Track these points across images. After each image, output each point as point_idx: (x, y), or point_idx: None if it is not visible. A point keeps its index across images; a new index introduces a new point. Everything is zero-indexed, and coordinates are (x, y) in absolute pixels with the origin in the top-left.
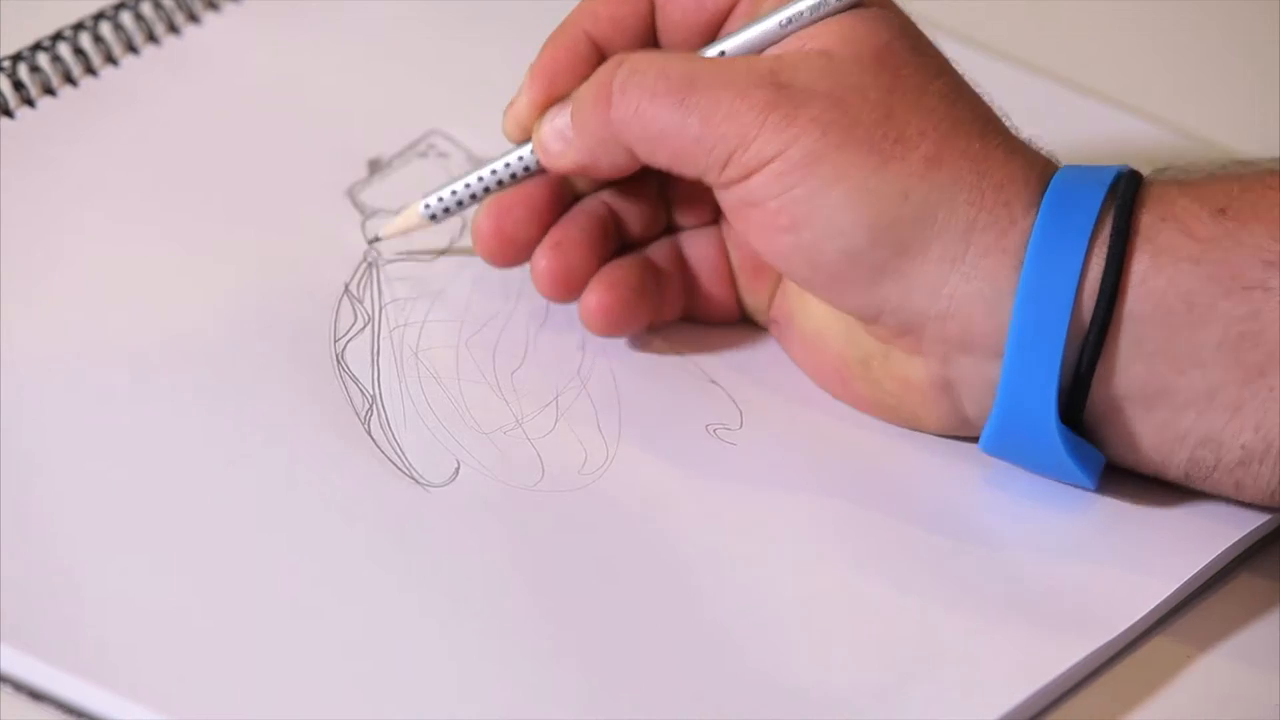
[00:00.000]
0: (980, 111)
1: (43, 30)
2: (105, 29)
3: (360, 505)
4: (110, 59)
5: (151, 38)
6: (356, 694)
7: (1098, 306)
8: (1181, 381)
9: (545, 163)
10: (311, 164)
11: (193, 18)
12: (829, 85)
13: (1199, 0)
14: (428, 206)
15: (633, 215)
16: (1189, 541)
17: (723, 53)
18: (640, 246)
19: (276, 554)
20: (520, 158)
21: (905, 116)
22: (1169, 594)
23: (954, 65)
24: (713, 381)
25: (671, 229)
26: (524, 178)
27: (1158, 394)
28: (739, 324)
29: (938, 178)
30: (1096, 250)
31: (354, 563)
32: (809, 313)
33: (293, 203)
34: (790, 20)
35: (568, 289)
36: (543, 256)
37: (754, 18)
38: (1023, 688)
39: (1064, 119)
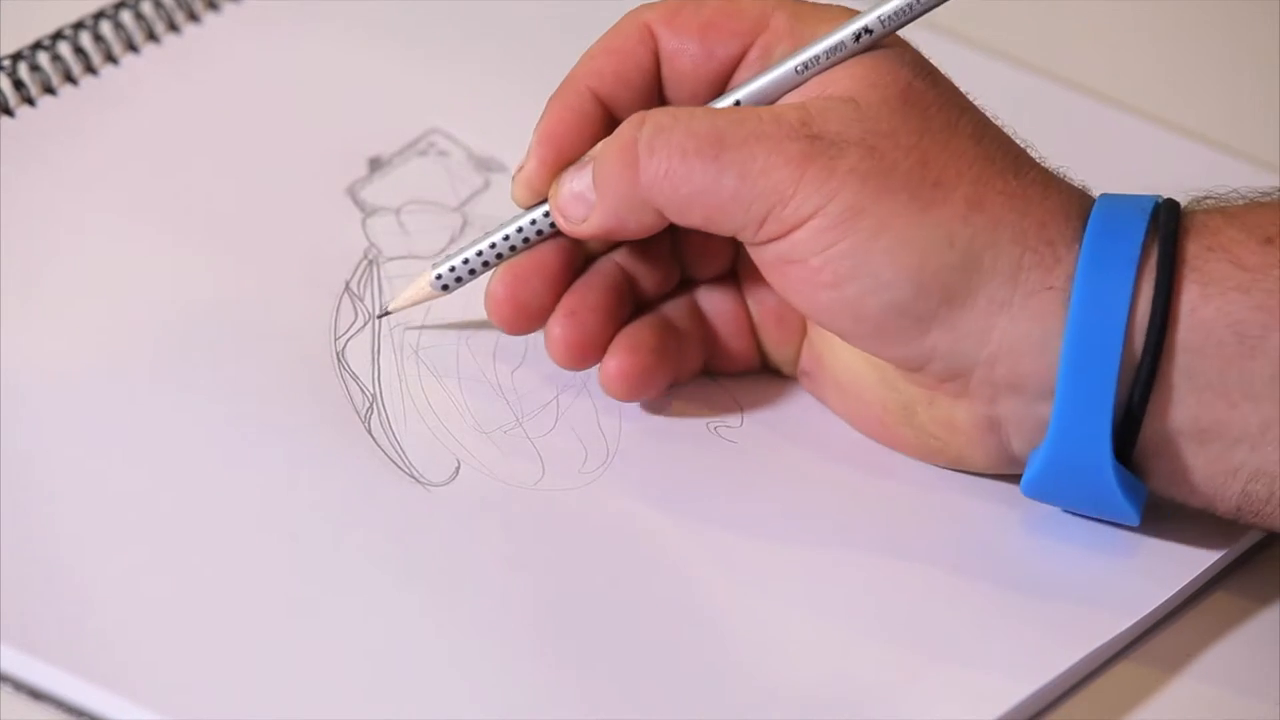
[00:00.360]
0: (1009, 146)
1: (43, 29)
2: (105, 28)
3: (360, 504)
4: (110, 58)
5: (152, 36)
6: (356, 694)
7: (1148, 338)
8: (1234, 415)
9: (566, 229)
10: (312, 162)
11: (193, 17)
12: (860, 133)
13: (1199, 0)
14: (439, 277)
15: (647, 274)
16: (1188, 546)
17: (738, 102)
18: (655, 304)
19: (276, 553)
20: (533, 222)
21: (940, 159)
22: (1168, 596)
23: (971, 99)
24: (713, 380)
25: (685, 283)
26: (537, 241)
27: (1210, 428)
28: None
29: (979, 220)
30: (1144, 282)
31: (354, 562)
32: (842, 362)
33: (293, 201)
34: (807, 66)
35: (583, 357)
36: (556, 324)
37: (766, 65)
38: (1023, 688)
39: (1064, 119)
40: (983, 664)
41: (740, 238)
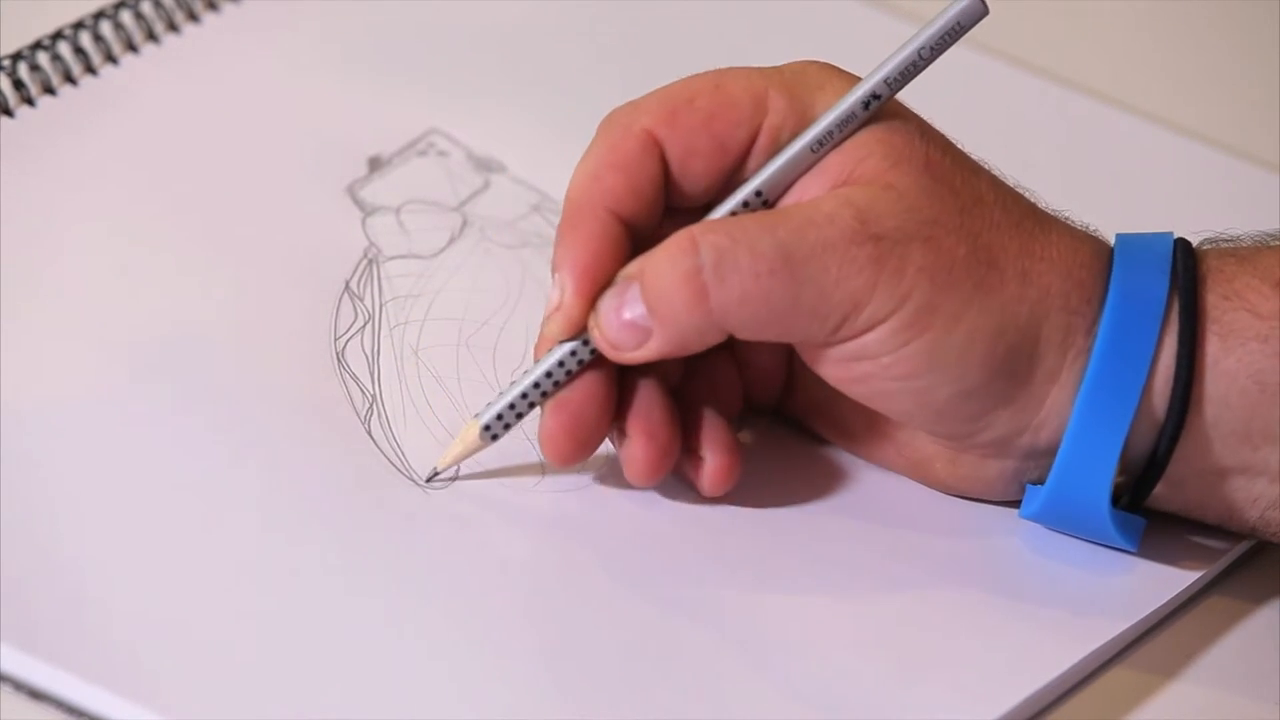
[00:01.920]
0: (1024, 202)
1: (43, 29)
2: (105, 28)
3: (360, 505)
4: (110, 58)
5: (151, 37)
6: (356, 694)
7: (1174, 394)
8: (1257, 456)
9: (618, 358)
10: (311, 162)
11: (192, 17)
12: (915, 224)
13: (1199, 0)
14: (487, 428)
15: (670, 365)
16: (1187, 549)
17: (759, 192)
18: (677, 380)
19: (276, 554)
20: (573, 353)
21: (986, 237)
22: (1167, 599)
23: (959, 145)
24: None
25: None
26: (580, 371)
27: (1232, 467)
28: None
29: (1032, 294)
30: (1166, 336)
31: (353, 563)
32: (850, 427)
33: (293, 200)
34: (821, 142)
35: (664, 472)
36: (638, 449)
37: (776, 148)
38: (1022, 688)
39: (1065, 119)
40: (982, 666)
41: (806, 343)
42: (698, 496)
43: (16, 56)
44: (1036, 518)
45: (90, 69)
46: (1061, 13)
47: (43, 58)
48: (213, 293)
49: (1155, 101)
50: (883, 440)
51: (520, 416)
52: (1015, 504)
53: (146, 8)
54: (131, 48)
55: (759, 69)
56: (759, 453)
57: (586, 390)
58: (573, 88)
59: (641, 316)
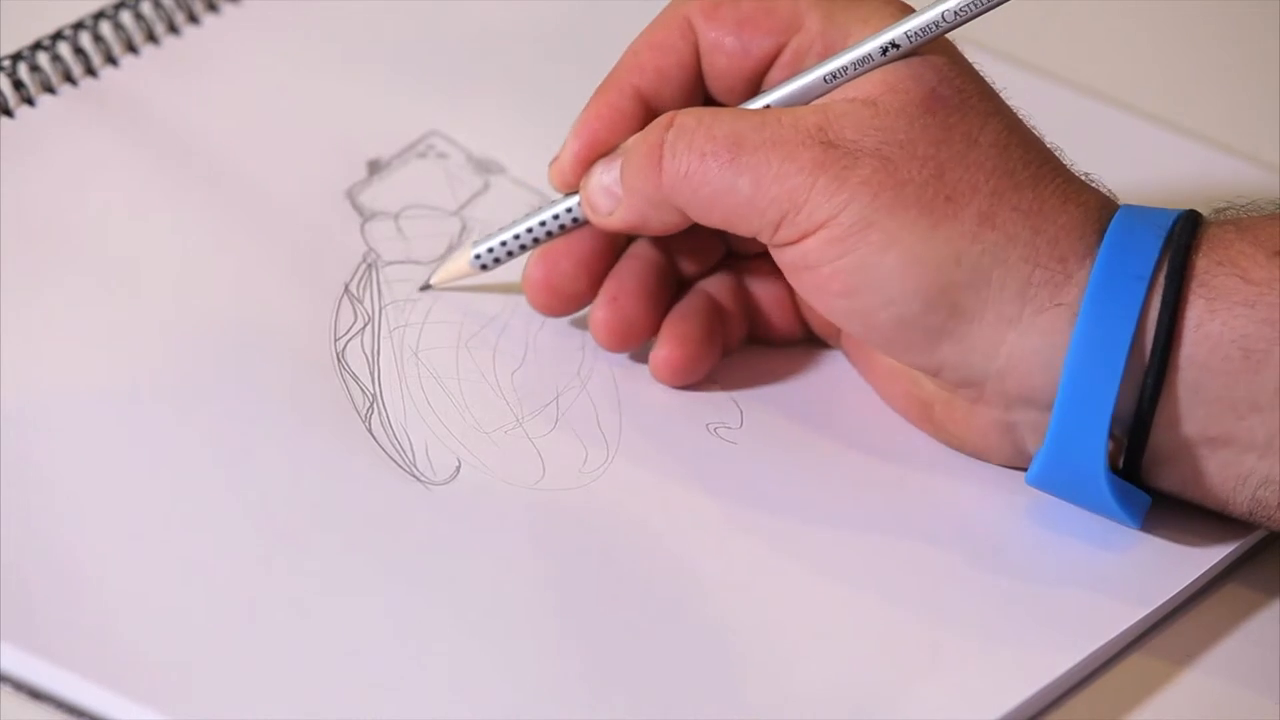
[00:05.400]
0: (1033, 157)
1: (43, 29)
2: (105, 28)
3: (361, 503)
4: (110, 59)
5: (151, 38)
6: (357, 693)
7: (1153, 354)
8: (1242, 426)
9: (593, 220)
10: (311, 165)
11: (192, 18)
12: (876, 142)
13: (1199, 1)
14: (478, 257)
15: (688, 253)
16: (1198, 538)
17: (768, 107)
18: (698, 278)
19: (277, 553)
20: (568, 209)
21: (955, 172)
22: (1168, 598)
23: (1009, 106)
24: (712, 380)
25: (730, 256)
26: (573, 228)
27: (1218, 437)
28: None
29: (991, 237)
30: (1154, 298)
31: (355, 561)
32: (865, 355)
33: (292, 203)
34: (835, 75)
35: (626, 341)
36: (600, 309)
37: (799, 68)
38: (1022, 689)
39: (1065, 119)
40: (987, 661)
41: (759, 239)
42: (697, 494)
43: (16, 57)
44: (1039, 480)
45: (90, 70)
46: (1063, 14)
47: (42, 58)
48: (212, 294)
49: (1155, 101)
50: (902, 379)
51: (510, 254)
52: (1018, 503)
53: (146, 9)
54: (131, 49)
55: None
56: (758, 450)
57: (570, 245)
58: (573, 88)
59: (615, 182)
